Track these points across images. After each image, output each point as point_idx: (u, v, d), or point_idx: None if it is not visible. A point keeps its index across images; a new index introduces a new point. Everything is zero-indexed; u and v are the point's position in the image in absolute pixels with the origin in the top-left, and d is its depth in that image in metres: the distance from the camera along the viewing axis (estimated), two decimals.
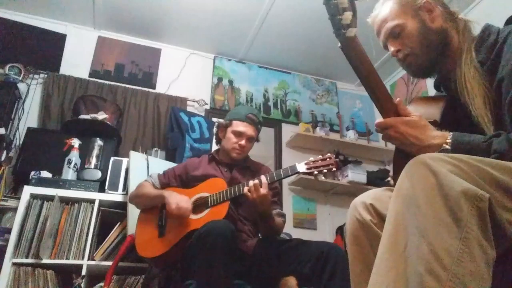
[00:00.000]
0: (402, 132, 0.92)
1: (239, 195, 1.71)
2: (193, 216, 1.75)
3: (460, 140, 0.87)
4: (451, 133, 0.89)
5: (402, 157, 0.95)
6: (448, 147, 0.87)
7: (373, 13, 1.16)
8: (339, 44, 0.85)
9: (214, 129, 2.13)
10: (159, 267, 1.94)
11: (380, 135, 1.01)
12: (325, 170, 1.70)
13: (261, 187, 1.65)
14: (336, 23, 0.80)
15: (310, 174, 1.72)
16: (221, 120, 2.10)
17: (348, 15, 0.77)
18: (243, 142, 1.92)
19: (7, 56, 2.96)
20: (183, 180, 1.96)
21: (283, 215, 1.92)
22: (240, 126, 1.94)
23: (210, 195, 1.76)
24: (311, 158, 1.74)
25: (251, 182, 1.67)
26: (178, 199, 1.73)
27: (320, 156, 1.74)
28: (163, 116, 3.22)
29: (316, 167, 1.71)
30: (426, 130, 0.92)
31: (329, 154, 1.72)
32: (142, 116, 3.17)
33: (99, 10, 3.20)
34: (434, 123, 0.97)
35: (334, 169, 1.69)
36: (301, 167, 1.72)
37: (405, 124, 0.92)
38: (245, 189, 1.68)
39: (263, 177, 1.69)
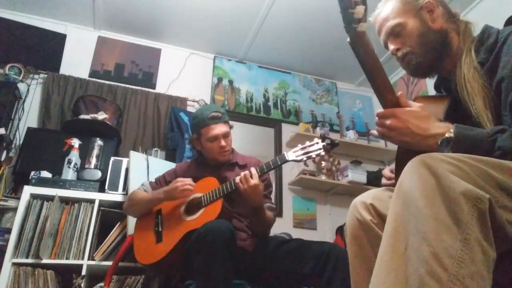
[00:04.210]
0: (404, 120, 0.89)
1: (231, 191, 1.70)
2: (188, 217, 1.75)
3: (463, 133, 0.86)
4: (454, 124, 0.88)
5: (404, 156, 0.94)
6: (450, 135, 0.86)
7: (375, 12, 1.17)
8: (348, 39, 0.83)
9: (189, 146, 2.10)
10: (160, 272, 1.94)
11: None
12: (313, 155, 1.68)
13: (251, 178, 1.64)
14: (347, 17, 0.79)
15: (299, 161, 1.70)
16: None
17: (360, 9, 0.76)
18: (222, 143, 1.88)
19: (7, 56, 2.96)
20: None
21: (273, 209, 1.91)
22: (210, 131, 1.88)
23: (203, 195, 1.76)
24: (299, 146, 1.72)
25: (242, 174, 1.67)
26: (175, 184, 1.75)
27: (308, 142, 1.72)
28: (163, 116, 3.22)
29: (304, 154, 1.69)
30: (429, 120, 0.90)
31: (316, 139, 1.71)
32: (142, 116, 3.17)
33: (99, 10, 3.20)
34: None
35: (323, 153, 1.67)
36: (290, 156, 1.71)
37: (407, 114, 0.90)
38: (237, 178, 1.67)
39: (252, 169, 1.68)
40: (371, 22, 1.17)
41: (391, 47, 1.13)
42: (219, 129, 1.88)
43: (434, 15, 1.09)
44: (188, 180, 1.76)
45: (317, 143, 1.69)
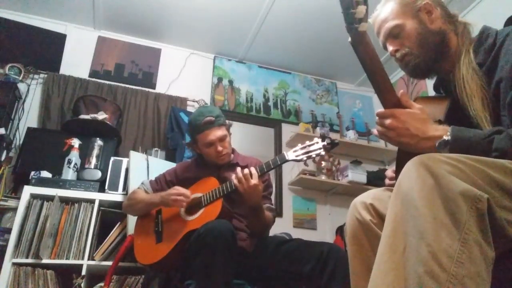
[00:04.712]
0: (403, 122, 0.90)
1: (231, 190, 1.69)
2: (188, 217, 1.75)
3: (460, 135, 0.86)
4: (451, 126, 0.89)
5: (405, 156, 0.94)
6: (447, 138, 0.86)
7: (374, 13, 1.17)
8: (350, 39, 0.84)
9: (188, 148, 2.09)
10: (160, 272, 1.94)
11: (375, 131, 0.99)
12: (313, 155, 1.67)
13: (251, 178, 1.63)
14: (349, 17, 0.79)
15: (299, 161, 1.70)
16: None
17: (362, 9, 0.77)
18: (219, 148, 1.86)
19: (7, 56, 2.96)
20: (175, 185, 1.92)
21: (273, 210, 1.90)
22: (205, 137, 1.85)
23: (203, 195, 1.76)
24: (299, 145, 1.72)
25: (240, 173, 1.65)
26: (171, 191, 1.75)
27: (308, 142, 1.71)
28: (163, 116, 3.22)
29: (304, 153, 1.69)
30: (427, 122, 0.91)
31: (316, 139, 1.70)
32: (142, 116, 3.17)
33: (99, 10, 3.20)
34: (438, 123, 0.97)
35: (323, 152, 1.66)
36: (290, 155, 1.70)
37: (407, 115, 0.91)
38: (235, 180, 1.65)
39: (252, 169, 1.67)
40: (370, 23, 1.18)
41: (390, 48, 1.13)
42: (213, 134, 1.85)
43: (433, 16, 1.09)
44: (185, 191, 1.74)
45: (317, 142, 1.69)
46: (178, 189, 1.76)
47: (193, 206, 1.77)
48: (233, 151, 2.02)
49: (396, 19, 1.11)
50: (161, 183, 1.97)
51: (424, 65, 1.10)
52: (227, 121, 1.95)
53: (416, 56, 1.09)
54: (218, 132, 1.87)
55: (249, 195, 1.65)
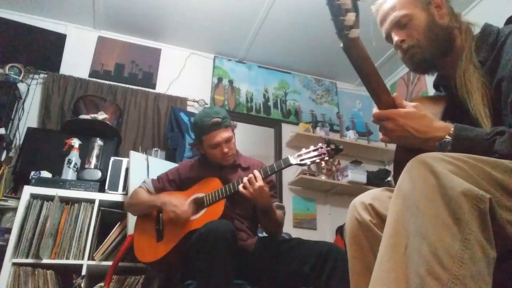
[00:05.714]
0: (402, 124, 0.89)
1: (234, 192, 1.70)
2: (190, 217, 1.75)
3: (462, 134, 0.86)
4: (454, 125, 0.88)
5: (403, 156, 0.94)
6: (449, 138, 0.86)
7: (379, 1, 1.14)
8: (341, 45, 0.84)
9: (192, 148, 2.09)
10: (160, 272, 1.94)
11: (381, 134, 0.99)
12: (317, 160, 1.69)
13: (256, 181, 1.64)
14: (339, 24, 0.79)
15: (303, 165, 1.71)
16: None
17: (351, 16, 0.76)
18: (225, 149, 1.85)
19: (7, 56, 2.96)
20: (177, 184, 1.95)
21: (282, 207, 1.90)
22: (212, 139, 1.84)
23: (206, 195, 1.76)
24: (303, 150, 1.73)
25: (245, 179, 1.66)
26: (175, 203, 1.73)
27: (312, 147, 1.72)
28: (163, 116, 3.22)
29: (308, 158, 1.70)
30: (427, 120, 0.90)
31: (320, 144, 1.71)
32: (142, 116, 3.17)
33: (99, 10, 3.20)
34: None
35: (327, 158, 1.68)
36: (294, 159, 1.71)
37: (404, 116, 0.90)
38: (240, 186, 1.66)
39: (256, 172, 1.67)
40: (372, 11, 1.16)
41: (395, 38, 1.10)
42: (220, 136, 1.84)
43: (442, 11, 1.08)
44: (188, 210, 1.73)
45: (322, 147, 1.70)
46: (180, 206, 1.73)
47: (196, 206, 1.77)
48: (237, 152, 2.02)
49: (405, 8, 1.08)
50: (164, 182, 1.97)
51: (429, 60, 1.09)
52: (232, 122, 1.96)
53: (422, 49, 1.07)
54: (225, 134, 1.86)
55: (257, 198, 1.65)
